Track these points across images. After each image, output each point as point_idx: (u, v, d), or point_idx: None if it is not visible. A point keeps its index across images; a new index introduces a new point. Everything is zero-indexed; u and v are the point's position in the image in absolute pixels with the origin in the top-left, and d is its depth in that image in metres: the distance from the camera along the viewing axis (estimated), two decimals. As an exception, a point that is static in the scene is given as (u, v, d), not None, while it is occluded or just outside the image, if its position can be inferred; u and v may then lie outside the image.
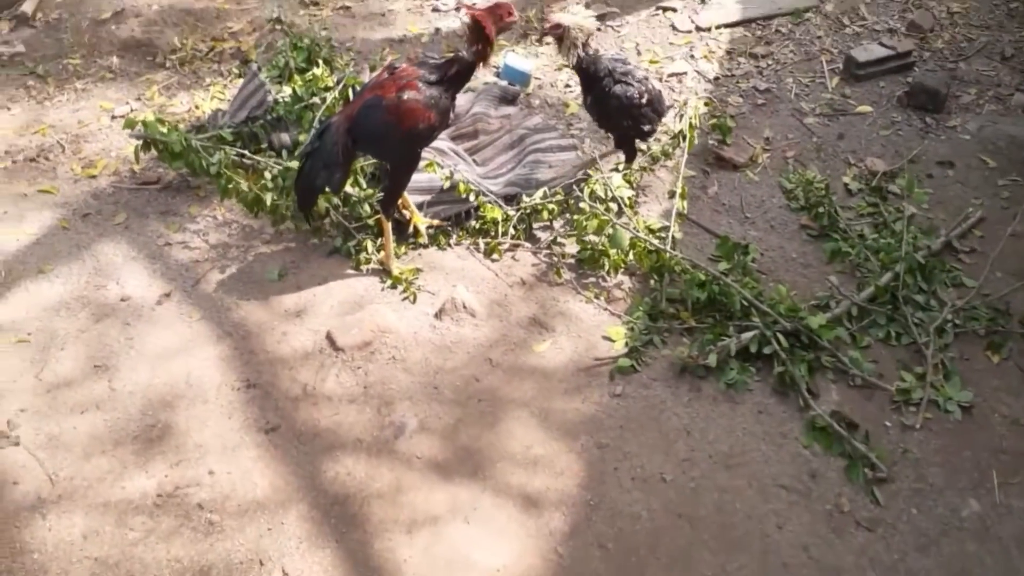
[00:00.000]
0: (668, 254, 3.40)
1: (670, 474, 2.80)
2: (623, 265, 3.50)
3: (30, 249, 3.68)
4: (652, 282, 3.44)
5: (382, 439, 2.89)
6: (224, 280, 3.52)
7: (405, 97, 3.16)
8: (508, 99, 4.48)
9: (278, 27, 4.43)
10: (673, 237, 3.51)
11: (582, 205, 3.60)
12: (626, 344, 3.20)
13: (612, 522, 2.66)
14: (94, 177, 4.08)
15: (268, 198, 3.61)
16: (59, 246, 3.70)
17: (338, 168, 3.27)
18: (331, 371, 3.11)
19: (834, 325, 3.23)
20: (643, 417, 2.98)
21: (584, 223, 3.52)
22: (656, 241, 3.45)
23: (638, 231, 3.49)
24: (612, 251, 3.45)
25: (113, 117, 4.41)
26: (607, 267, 3.47)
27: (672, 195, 3.80)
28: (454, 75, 3.24)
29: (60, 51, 4.92)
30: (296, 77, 4.30)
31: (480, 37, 3.18)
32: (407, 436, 2.89)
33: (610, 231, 3.45)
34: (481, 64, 3.25)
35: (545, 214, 3.69)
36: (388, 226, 3.44)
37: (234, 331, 3.30)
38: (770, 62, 4.78)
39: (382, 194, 3.51)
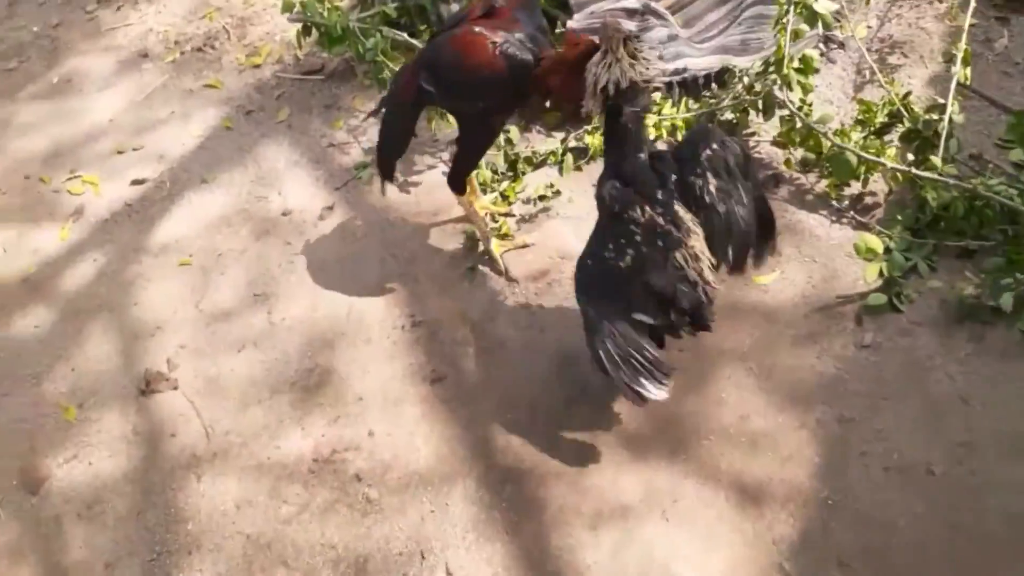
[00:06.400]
0: (919, 178, 2.42)
1: (939, 465, 2.02)
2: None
3: (194, 155, 3.32)
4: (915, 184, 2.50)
5: (560, 401, 2.30)
6: (389, 189, 2.98)
7: (476, 30, 2.26)
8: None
9: None
10: (951, 122, 2.50)
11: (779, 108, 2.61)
12: (880, 274, 2.35)
13: (858, 530, 1.95)
14: (258, 67, 3.61)
15: None
16: (222, 150, 3.30)
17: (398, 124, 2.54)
18: (502, 308, 2.53)
19: None
20: (902, 380, 2.17)
21: (789, 133, 2.59)
22: (893, 162, 2.45)
23: (871, 148, 2.49)
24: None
25: (278, -7, 3.88)
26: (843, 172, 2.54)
27: (946, 58, 2.75)
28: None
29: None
30: (468, -71, 3.53)
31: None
32: (590, 397, 2.29)
33: (829, 148, 2.50)
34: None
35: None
36: (465, 201, 2.59)
37: (398, 253, 2.78)
38: None
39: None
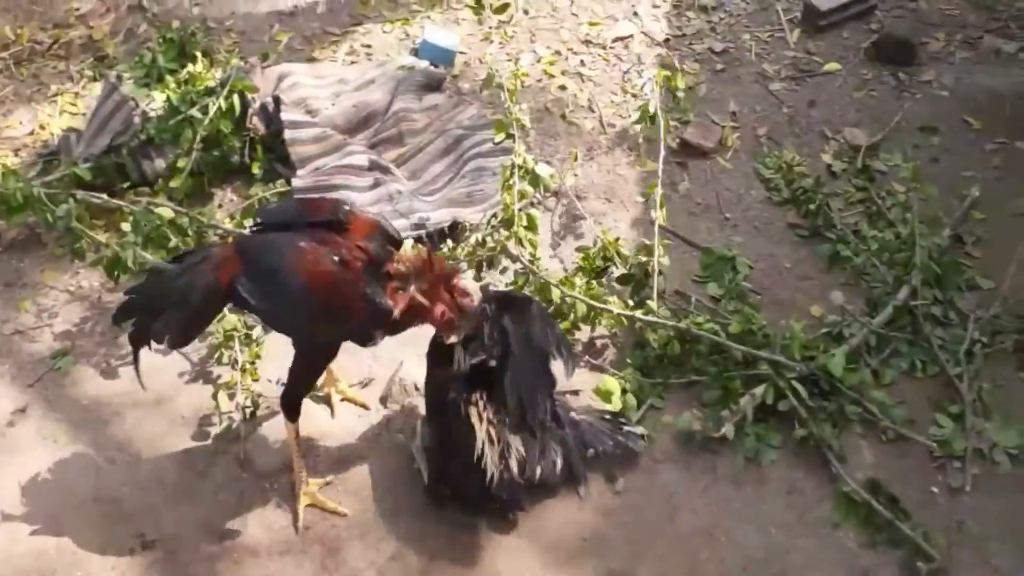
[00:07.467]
0: (638, 320, 2.61)
1: (701, 606, 2.14)
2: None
3: None
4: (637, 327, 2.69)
5: (334, 605, 2.12)
6: (97, 380, 2.61)
7: (335, 260, 1.97)
8: (433, 85, 3.56)
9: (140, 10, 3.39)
10: (659, 264, 2.75)
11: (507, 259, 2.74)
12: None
13: None
14: (-88, 240, 3.04)
15: (129, 255, 2.66)
16: None
17: (190, 318, 2.11)
18: (253, 510, 2.29)
19: (856, 365, 2.56)
20: (656, 522, 2.28)
21: (523, 286, 2.70)
22: (617, 307, 2.63)
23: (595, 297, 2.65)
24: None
25: (-69, 151, 3.32)
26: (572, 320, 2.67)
27: (645, 200, 3.05)
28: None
29: None
30: (168, 78, 3.30)
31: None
32: (366, 594, 2.13)
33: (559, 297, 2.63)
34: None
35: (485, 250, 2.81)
36: (291, 430, 2.25)
37: (118, 456, 2.42)
38: (722, 15, 3.96)
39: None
